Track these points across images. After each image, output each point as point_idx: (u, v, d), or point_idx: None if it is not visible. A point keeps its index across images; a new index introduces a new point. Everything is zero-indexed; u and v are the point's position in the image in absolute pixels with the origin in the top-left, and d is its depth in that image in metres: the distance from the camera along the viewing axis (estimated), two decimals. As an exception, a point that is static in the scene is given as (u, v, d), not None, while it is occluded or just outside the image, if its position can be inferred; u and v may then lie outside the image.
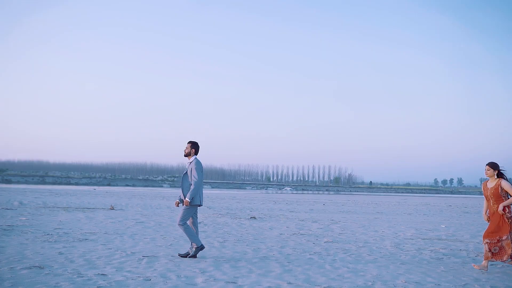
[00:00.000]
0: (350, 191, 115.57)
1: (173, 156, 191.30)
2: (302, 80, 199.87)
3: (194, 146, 7.18)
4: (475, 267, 6.58)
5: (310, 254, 7.75)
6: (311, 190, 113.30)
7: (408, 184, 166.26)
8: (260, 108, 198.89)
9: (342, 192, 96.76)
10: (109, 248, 7.72)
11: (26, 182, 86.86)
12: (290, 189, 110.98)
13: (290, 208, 22.06)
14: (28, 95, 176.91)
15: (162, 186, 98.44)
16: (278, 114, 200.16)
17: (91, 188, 55.74)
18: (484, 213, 6.74)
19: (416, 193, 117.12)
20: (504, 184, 6.43)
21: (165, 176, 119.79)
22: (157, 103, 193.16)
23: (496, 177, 6.55)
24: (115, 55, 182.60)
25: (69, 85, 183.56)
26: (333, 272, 6.19)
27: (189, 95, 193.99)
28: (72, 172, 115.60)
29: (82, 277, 5.46)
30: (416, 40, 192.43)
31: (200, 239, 7.45)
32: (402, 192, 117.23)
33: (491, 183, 6.59)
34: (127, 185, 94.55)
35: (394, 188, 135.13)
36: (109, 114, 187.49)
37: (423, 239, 10.59)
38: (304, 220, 15.16)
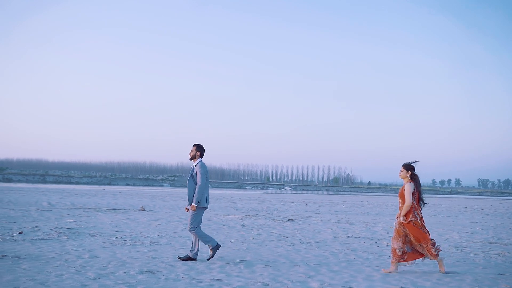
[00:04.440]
0: (350, 191, 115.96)
1: (172, 155, 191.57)
2: (302, 80, 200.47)
3: (199, 149, 7.18)
4: (384, 271, 6.56)
5: (388, 258, 7.93)
6: (310, 190, 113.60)
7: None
8: (259, 108, 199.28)
9: (341, 192, 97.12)
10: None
11: (27, 181, 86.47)
12: (290, 189, 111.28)
13: (313, 209, 22.24)
14: (28, 94, 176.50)
15: (162, 186, 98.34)
16: (277, 113, 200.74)
17: (96, 187, 55.66)
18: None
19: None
20: (406, 187, 6.45)
21: (165, 176, 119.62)
22: (156, 102, 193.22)
23: (409, 178, 6.54)
24: (115, 55, 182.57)
25: (69, 84, 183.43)
26: (431, 276, 6.37)
27: (188, 94, 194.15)
28: (72, 171, 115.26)
29: (201, 282, 5.61)
30: (416, 40, 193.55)
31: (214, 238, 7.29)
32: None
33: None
34: (128, 184, 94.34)
35: (393, 188, 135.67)
36: (108, 114, 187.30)
37: (475, 242, 10.80)
38: (340, 222, 15.33)
